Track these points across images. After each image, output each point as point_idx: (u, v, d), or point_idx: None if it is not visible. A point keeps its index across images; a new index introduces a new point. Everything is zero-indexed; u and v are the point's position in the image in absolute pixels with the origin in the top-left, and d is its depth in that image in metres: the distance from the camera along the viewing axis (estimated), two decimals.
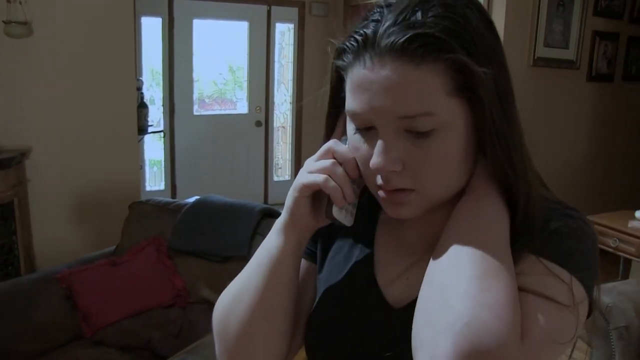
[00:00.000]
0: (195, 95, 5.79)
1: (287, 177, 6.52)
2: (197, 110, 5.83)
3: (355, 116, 0.68)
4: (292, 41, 6.18)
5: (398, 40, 0.61)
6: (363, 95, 0.65)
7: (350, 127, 0.72)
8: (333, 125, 0.80)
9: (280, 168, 6.53)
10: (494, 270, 0.60)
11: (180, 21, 5.44)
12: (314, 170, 0.72)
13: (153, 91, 5.59)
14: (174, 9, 5.37)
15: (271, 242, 0.78)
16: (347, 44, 0.67)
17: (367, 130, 0.68)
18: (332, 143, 0.74)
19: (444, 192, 0.70)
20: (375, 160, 0.66)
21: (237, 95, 6.12)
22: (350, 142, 0.72)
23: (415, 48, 0.61)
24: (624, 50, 4.74)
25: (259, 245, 2.59)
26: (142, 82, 4.54)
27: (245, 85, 6.04)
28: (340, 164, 0.72)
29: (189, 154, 5.76)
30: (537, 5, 4.08)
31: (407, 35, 0.61)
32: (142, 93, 4.44)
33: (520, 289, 0.62)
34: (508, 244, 0.65)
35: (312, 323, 0.82)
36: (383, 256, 0.81)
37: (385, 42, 0.62)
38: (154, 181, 5.78)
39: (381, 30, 0.63)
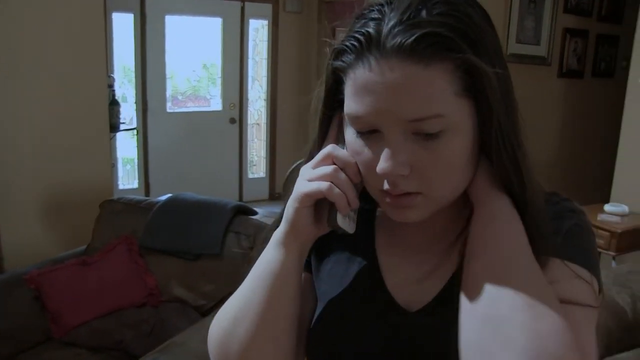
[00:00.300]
0: (169, 93, 5.73)
1: (262, 175, 6.49)
2: (170, 108, 5.77)
3: (357, 119, 0.65)
4: (266, 38, 6.15)
5: (406, 41, 0.59)
6: (368, 98, 0.62)
7: (350, 131, 0.69)
8: (327, 129, 0.76)
9: (255, 165, 6.50)
10: (539, 290, 0.59)
11: (153, 17, 5.38)
12: (315, 178, 0.69)
13: (125, 88, 5.52)
14: (145, 5, 5.31)
15: (272, 256, 0.73)
16: (348, 44, 0.64)
17: (370, 134, 0.65)
18: (330, 148, 0.70)
19: (451, 193, 0.69)
20: (383, 165, 0.63)
21: (210, 93, 6.08)
22: (350, 146, 0.69)
23: (424, 48, 0.59)
24: (593, 47, 4.81)
25: (231, 243, 2.57)
26: (113, 79, 4.48)
27: (219, 82, 6.00)
28: (341, 169, 0.69)
29: (163, 151, 5.71)
30: (509, 2, 4.12)
31: (416, 35, 0.59)
32: (113, 90, 4.39)
33: (560, 301, 0.61)
34: (531, 251, 0.64)
35: (320, 335, 0.77)
36: (388, 261, 0.78)
37: (391, 42, 0.60)
38: (127, 179, 5.71)
39: (385, 29, 0.60)
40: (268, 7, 6.04)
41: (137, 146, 5.59)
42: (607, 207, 3.26)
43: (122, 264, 2.51)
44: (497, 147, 0.66)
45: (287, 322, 0.74)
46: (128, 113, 5.43)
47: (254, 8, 5.94)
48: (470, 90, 0.63)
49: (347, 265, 0.81)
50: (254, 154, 6.48)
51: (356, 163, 0.69)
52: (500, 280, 0.60)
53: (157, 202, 2.69)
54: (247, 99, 6.16)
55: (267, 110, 6.34)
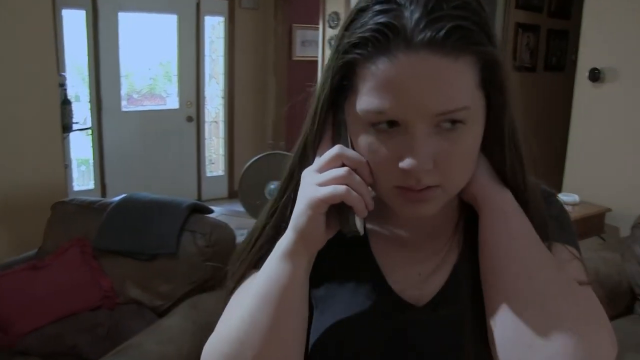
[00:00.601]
0: (124, 91, 5.63)
1: (221, 173, 6.44)
2: (125, 107, 5.67)
3: (380, 115, 0.62)
4: (222, 35, 6.09)
5: (437, 34, 0.58)
6: (394, 92, 0.60)
7: (361, 128, 0.66)
8: (324, 128, 0.71)
9: (213, 163, 6.44)
10: (562, 277, 0.66)
11: (105, 14, 5.26)
12: (327, 182, 0.65)
13: (79, 87, 5.38)
14: (97, 2, 5.19)
15: (279, 270, 0.67)
16: (367, 35, 0.61)
17: (389, 127, 0.63)
18: (339, 149, 0.66)
19: (462, 185, 0.69)
20: (410, 161, 0.61)
21: (167, 91, 5.99)
22: (362, 144, 0.66)
23: (454, 41, 0.59)
24: (545, 42, 4.91)
25: (187, 242, 2.54)
26: (64, 78, 4.36)
27: (175, 80, 5.92)
28: (354, 170, 0.66)
29: (119, 151, 5.60)
30: None
31: (447, 27, 0.58)
32: (65, 89, 4.28)
33: None
34: (540, 240, 0.69)
35: (325, 340, 0.74)
36: (387, 261, 0.77)
37: (421, 35, 0.58)
38: (83, 181, 5.59)
39: (411, 22, 0.59)
40: (224, 4, 5.99)
41: (92, 146, 5.47)
42: (559, 197, 3.33)
43: (75, 267, 2.45)
44: (507, 141, 0.68)
45: (297, 339, 0.70)
46: (82, 113, 5.31)
47: (209, 5, 5.88)
48: (485, 83, 0.64)
49: (345, 269, 0.78)
50: (212, 152, 6.42)
51: (367, 162, 0.66)
52: (530, 273, 0.64)
53: (111, 203, 2.64)
54: (204, 97, 6.10)
55: (224, 108, 6.28)
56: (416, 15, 0.59)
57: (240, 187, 2.82)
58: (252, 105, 6.38)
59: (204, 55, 5.99)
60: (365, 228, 0.75)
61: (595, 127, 3.54)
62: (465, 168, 0.67)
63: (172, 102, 5.97)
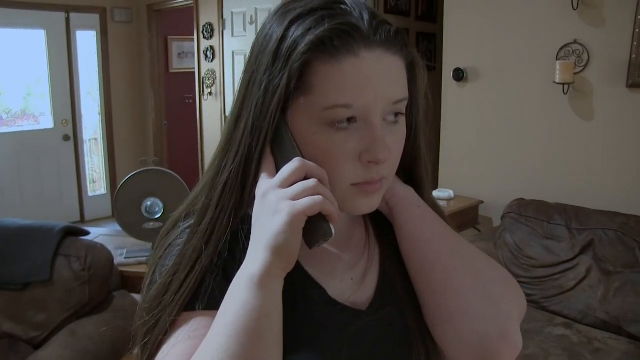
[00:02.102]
0: None
1: (103, 191, 6.20)
2: None
3: (344, 110, 0.64)
4: (95, 49, 5.88)
5: (389, 35, 0.66)
6: (359, 86, 0.64)
7: (320, 129, 0.65)
8: (277, 131, 0.68)
9: (95, 182, 6.19)
10: (476, 249, 0.76)
11: None
12: (299, 195, 0.61)
13: None
14: None
15: (255, 299, 0.60)
16: (328, 34, 0.63)
17: (349, 125, 0.65)
18: (299, 162, 0.64)
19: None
20: (380, 153, 0.65)
21: (40, 109, 5.68)
22: (324, 144, 0.65)
23: (398, 41, 0.67)
24: (415, 45, 5.14)
25: (62, 267, 2.42)
26: None
27: (48, 98, 5.64)
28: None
29: None
30: None
31: (394, 29, 0.67)
32: None
33: None
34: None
35: None
36: (319, 272, 0.75)
37: (377, 35, 0.65)
38: None
39: (365, 24, 0.65)
40: (95, 18, 5.79)
41: None
42: (435, 193, 3.49)
43: None
44: (413, 138, 0.77)
45: None
46: None
47: (80, 19, 5.65)
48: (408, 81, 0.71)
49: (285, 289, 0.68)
50: (93, 170, 6.17)
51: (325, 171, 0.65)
52: (459, 251, 0.74)
53: None
54: (80, 114, 5.85)
55: (102, 125, 6.06)
56: (367, 18, 0.65)
57: (116, 206, 2.73)
58: (132, 120, 6.21)
59: (77, 71, 5.75)
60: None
61: (463, 124, 3.74)
62: (399, 159, 0.72)
63: (46, 122, 5.67)
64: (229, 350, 0.58)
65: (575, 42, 3.08)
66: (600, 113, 3.09)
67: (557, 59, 3.13)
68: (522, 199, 3.15)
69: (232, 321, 0.60)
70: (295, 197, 0.61)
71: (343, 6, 0.66)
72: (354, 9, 0.66)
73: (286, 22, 0.66)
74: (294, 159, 0.64)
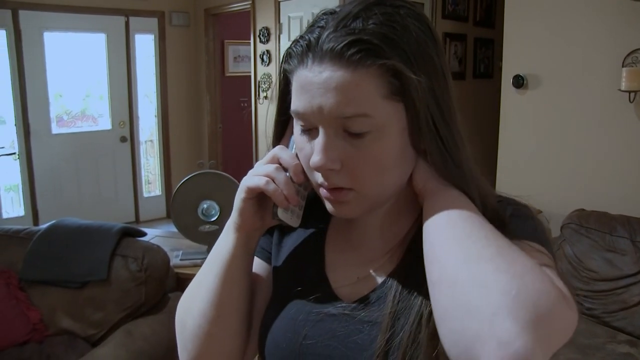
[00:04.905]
0: (53, 113, 5.46)
1: (158, 192, 6.32)
2: (55, 129, 5.50)
3: (298, 116, 0.71)
4: (153, 53, 6.00)
5: (337, 46, 0.65)
6: (305, 96, 0.68)
7: (296, 129, 0.74)
8: (282, 130, 0.82)
9: (150, 183, 6.32)
10: (505, 243, 0.60)
11: (29, 34, 5.11)
12: (257, 174, 0.76)
13: (3, 110, 5.19)
14: (19, 21, 5.02)
15: (222, 241, 0.81)
16: (294, 48, 0.70)
17: (310, 131, 0.71)
18: (277, 150, 0.78)
19: (383, 191, 0.73)
20: (314, 158, 0.69)
21: (99, 111, 5.84)
22: (296, 143, 0.75)
23: (353, 53, 0.65)
24: (472, 51, 5.05)
25: (119, 267, 2.49)
26: None
27: (106, 100, 5.78)
28: (286, 169, 0.76)
29: (50, 175, 5.42)
30: None
31: (345, 41, 0.65)
32: None
33: None
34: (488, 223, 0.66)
35: (264, 324, 0.82)
36: (333, 257, 0.83)
37: (326, 46, 0.66)
38: (12, 207, 5.38)
39: (323, 35, 0.66)
40: (154, 21, 5.91)
41: (21, 171, 5.27)
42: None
43: None
44: (435, 150, 0.71)
45: (233, 303, 0.80)
46: (8, 137, 5.13)
47: (139, 23, 5.79)
48: (399, 94, 0.67)
49: (297, 261, 0.85)
50: (149, 172, 6.30)
51: (300, 164, 0.75)
52: (463, 242, 0.61)
53: (38, 231, 2.54)
54: (137, 116, 5.98)
55: (159, 127, 6.18)
56: (330, 30, 0.66)
57: (173, 207, 2.76)
58: (187, 122, 6.30)
59: (135, 74, 5.88)
60: (326, 226, 0.85)
61: (522, 131, 3.65)
62: (379, 175, 0.70)
63: (105, 123, 5.82)
64: (201, 271, 0.83)
65: None
66: None
67: (623, 66, 3.02)
68: (583, 210, 3.04)
69: (209, 255, 0.83)
70: (255, 175, 0.76)
71: (324, 20, 0.69)
72: (328, 23, 0.68)
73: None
74: (276, 147, 0.79)
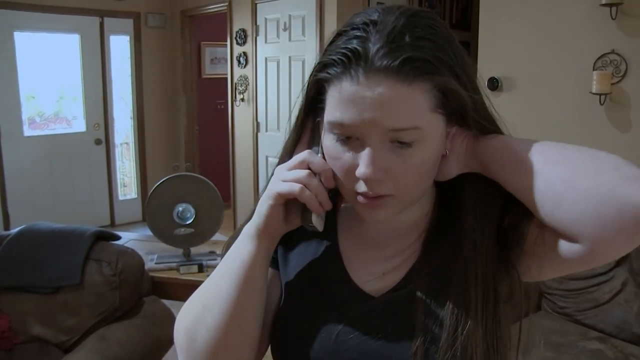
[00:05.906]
0: (25, 115, 5.38)
1: (134, 195, 6.27)
2: (28, 131, 5.42)
3: (341, 127, 0.71)
4: (129, 54, 5.95)
5: (392, 63, 0.66)
6: (355, 108, 0.69)
7: (329, 137, 0.74)
8: (301, 132, 0.83)
9: (125, 186, 6.25)
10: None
11: None
12: (288, 180, 0.76)
13: None
14: None
15: (242, 248, 0.80)
16: (335, 58, 0.70)
17: (349, 140, 0.72)
18: (307, 154, 0.77)
19: (418, 195, 0.78)
20: (363, 170, 0.70)
21: (72, 113, 5.77)
22: (328, 151, 0.75)
23: (409, 70, 0.67)
24: None
25: (93, 271, 2.43)
26: None
27: (81, 101, 5.72)
28: (315, 174, 0.76)
29: (22, 178, 5.35)
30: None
31: (400, 58, 0.66)
32: None
33: None
34: None
35: (284, 326, 0.83)
36: (351, 255, 0.84)
37: (379, 63, 0.67)
38: None
39: (373, 49, 0.67)
40: (129, 23, 5.86)
41: None
42: None
43: None
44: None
45: (253, 311, 0.79)
46: None
47: (114, 24, 5.73)
48: (442, 107, 0.71)
49: (311, 259, 0.87)
50: (124, 174, 6.24)
51: (330, 169, 0.76)
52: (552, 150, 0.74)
53: (8, 236, 2.50)
54: (112, 118, 5.92)
55: (134, 129, 6.12)
56: (378, 45, 0.67)
57: (148, 210, 2.74)
58: (163, 125, 6.26)
59: (110, 76, 5.82)
60: (335, 227, 0.87)
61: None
62: (418, 181, 0.75)
63: (79, 125, 5.76)
64: (215, 279, 0.81)
65: (613, 52, 3.01)
66: (638, 124, 3.01)
67: (594, 69, 3.06)
68: None
69: (224, 260, 0.82)
70: (285, 180, 0.76)
71: (370, 28, 0.69)
72: (372, 34, 0.69)
73: (330, 39, 0.74)
74: (305, 151, 0.78)
